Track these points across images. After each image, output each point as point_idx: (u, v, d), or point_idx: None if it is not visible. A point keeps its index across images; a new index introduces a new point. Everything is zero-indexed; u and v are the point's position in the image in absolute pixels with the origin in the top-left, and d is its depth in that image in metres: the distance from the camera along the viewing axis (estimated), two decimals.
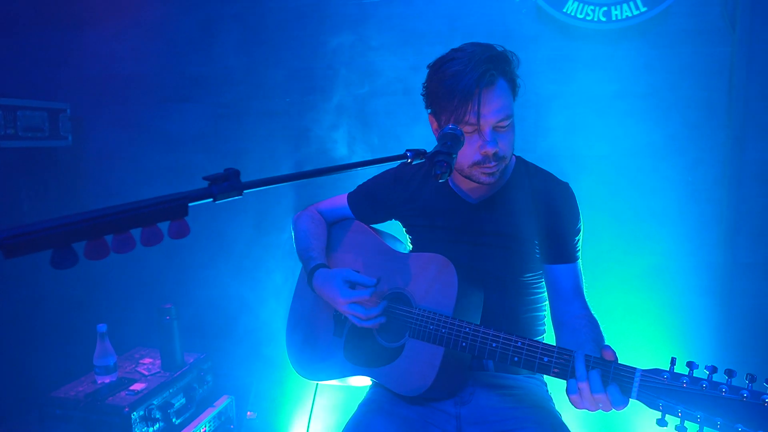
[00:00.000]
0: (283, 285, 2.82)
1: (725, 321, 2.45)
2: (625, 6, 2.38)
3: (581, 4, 2.41)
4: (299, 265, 1.83)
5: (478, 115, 1.38)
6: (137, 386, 2.29)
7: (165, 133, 3.00)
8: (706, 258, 2.46)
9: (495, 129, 1.42)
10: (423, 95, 1.54)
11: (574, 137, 2.52)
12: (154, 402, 2.25)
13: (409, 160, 1.15)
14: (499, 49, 1.45)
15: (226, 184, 0.86)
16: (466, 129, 1.41)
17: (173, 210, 0.82)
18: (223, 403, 2.58)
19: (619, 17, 2.39)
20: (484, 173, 1.46)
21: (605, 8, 2.40)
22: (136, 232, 0.81)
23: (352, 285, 1.52)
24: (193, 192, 0.84)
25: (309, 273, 1.62)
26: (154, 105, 3.00)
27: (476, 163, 1.45)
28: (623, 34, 2.43)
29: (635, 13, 2.37)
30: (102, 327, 2.32)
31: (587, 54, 2.48)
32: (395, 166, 1.77)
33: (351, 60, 2.72)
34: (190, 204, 0.83)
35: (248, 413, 2.85)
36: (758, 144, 2.36)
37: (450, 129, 1.33)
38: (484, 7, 2.55)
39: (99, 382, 2.32)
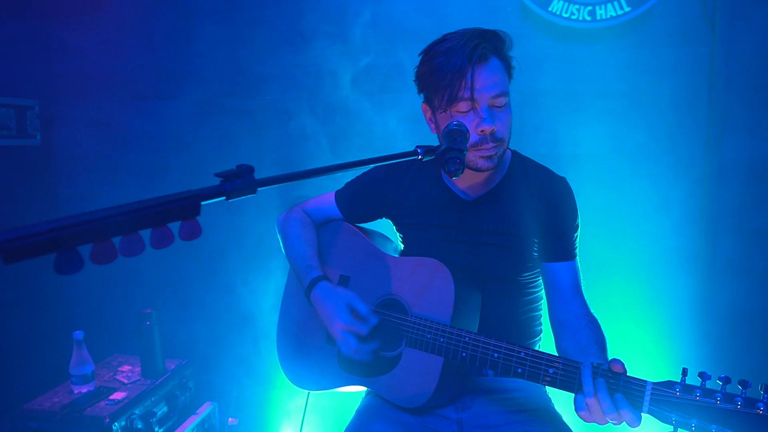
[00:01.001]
0: (266, 286, 2.76)
1: (706, 316, 2.50)
2: (609, 6, 2.39)
3: (566, 3, 2.42)
4: (284, 267, 1.77)
5: (472, 90, 1.33)
6: (117, 395, 2.19)
7: (140, 132, 2.90)
8: (687, 254, 2.50)
9: (491, 106, 1.37)
10: (415, 80, 1.49)
11: (557, 136, 2.53)
12: (136, 411, 2.17)
13: (420, 157, 1.12)
14: (492, 29, 1.42)
15: (240, 181, 0.81)
16: (461, 107, 1.36)
17: (185, 209, 0.77)
18: (206, 410, 2.50)
19: (604, 17, 2.40)
20: (482, 156, 1.40)
21: (590, 7, 2.41)
22: (144, 234, 0.75)
23: (354, 312, 1.45)
24: (205, 190, 0.79)
25: (309, 283, 1.56)
26: (129, 103, 2.89)
27: (473, 145, 1.38)
28: (607, 34, 2.45)
29: (619, 12, 2.39)
30: (78, 334, 2.22)
31: (572, 53, 2.49)
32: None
33: (334, 57, 2.67)
34: (202, 203, 0.78)
35: (230, 419, 2.77)
36: (737, 143, 2.41)
37: (455, 125, 1.31)
38: (468, 4, 2.54)
39: (76, 392, 2.21)
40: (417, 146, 1.12)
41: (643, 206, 2.50)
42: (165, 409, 2.34)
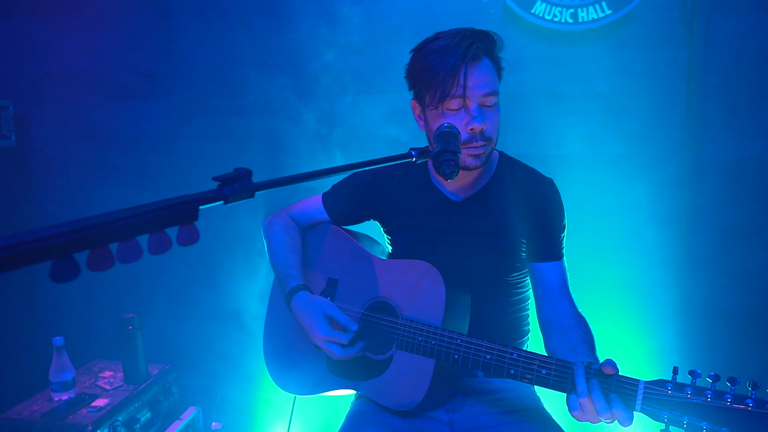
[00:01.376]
0: (252, 287, 2.73)
1: (685, 312, 2.55)
2: (591, 8, 2.43)
3: (549, 6, 2.45)
4: (269, 268, 1.76)
5: (464, 88, 1.34)
6: (99, 402, 2.15)
7: (119, 132, 2.85)
8: (666, 252, 2.55)
9: (481, 105, 1.38)
10: (406, 77, 1.49)
11: (540, 136, 2.56)
12: (119, 418, 2.12)
13: (414, 159, 1.12)
14: (493, 29, 1.43)
15: (238, 185, 0.80)
16: (452, 105, 1.36)
17: (183, 214, 0.75)
18: (190, 415, 2.46)
19: (586, 19, 2.44)
20: (470, 155, 1.40)
21: (572, 10, 2.44)
22: (142, 239, 0.74)
23: (332, 321, 1.45)
24: (203, 194, 0.77)
25: (288, 293, 1.55)
26: (107, 103, 2.83)
27: (462, 143, 1.38)
28: (589, 36, 2.48)
29: (600, 15, 2.42)
30: (58, 340, 2.16)
31: (554, 54, 2.52)
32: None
33: (317, 57, 2.66)
34: (201, 207, 0.77)
35: (213, 424, 2.74)
36: (714, 143, 2.46)
37: (446, 127, 1.31)
38: (451, 5, 2.55)
39: (56, 399, 2.16)
40: (411, 149, 1.12)
41: (624, 205, 2.53)
42: (149, 415, 2.30)
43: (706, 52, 2.42)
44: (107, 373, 2.41)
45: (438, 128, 1.32)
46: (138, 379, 2.32)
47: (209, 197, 0.78)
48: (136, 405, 2.24)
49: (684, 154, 2.50)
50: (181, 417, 2.44)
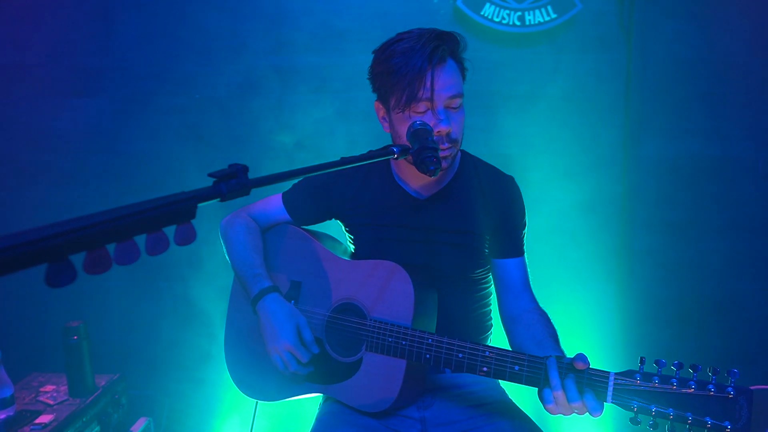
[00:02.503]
0: (206, 291, 2.65)
1: (625, 304, 2.69)
2: (537, 12, 2.52)
3: (497, 8, 2.52)
4: (225, 271, 1.70)
5: (432, 91, 1.35)
6: (44, 418, 2.00)
7: (55, 131, 2.68)
8: (608, 247, 2.68)
9: (447, 108, 1.40)
10: (369, 79, 1.48)
11: (487, 136, 2.62)
12: None
13: (395, 156, 1.12)
14: (447, 30, 1.44)
15: (235, 181, 0.78)
16: (419, 108, 1.37)
17: (180, 212, 0.72)
18: (141, 426, 2.35)
19: (532, 22, 2.52)
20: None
21: (519, 13, 2.52)
22: (139, 240, 0.70)
23: (299, 334, 1.46)
24: (200, 191, 0.75)
25: (259, 293, 1.51)
26: (41, 99, 2.66)
27: None
28: (535, 39, 2.57)
29: (546, 19, 2.52)
30: None
31: (502, 56, 2.59)
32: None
33: (265, 55, 2.61)
34: (198, 204, 0.74)
35: None
36: (651, 142, 2.62)
37: (419, 125, 1.32)
38: (402, 6, 2.57)
39: None
40: (391, 146, 1.12)
41: (569, 202, 2.64)
42: (97, 429, 2.17)
43: (644, 57, 2.56)
44: (49, 387, 2.26)
45: (410, 126, 1.33)
46: (85, 392, 2.18)
47: (207, 194, 0.75)
48: (83, 419, 2.11)
49: (623, 153, 2.63)
50: (131, 429, 2.32)
